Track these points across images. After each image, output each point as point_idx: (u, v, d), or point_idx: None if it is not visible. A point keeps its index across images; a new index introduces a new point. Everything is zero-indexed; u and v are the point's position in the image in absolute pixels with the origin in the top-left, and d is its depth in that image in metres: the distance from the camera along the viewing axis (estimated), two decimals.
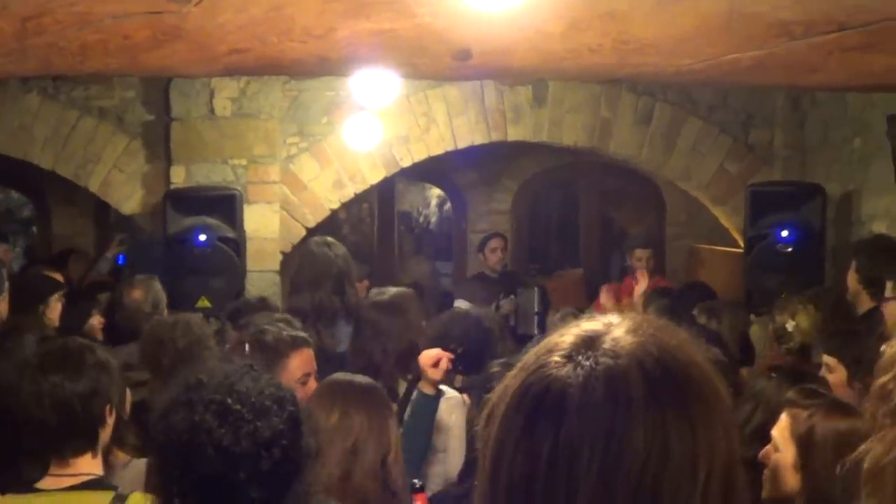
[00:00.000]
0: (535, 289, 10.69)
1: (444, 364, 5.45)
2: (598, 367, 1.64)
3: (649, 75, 6.44)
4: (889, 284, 6.56)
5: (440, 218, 21.17)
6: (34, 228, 18.24)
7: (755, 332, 8.98)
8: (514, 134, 10.82)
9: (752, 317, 8.79)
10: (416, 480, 5.01)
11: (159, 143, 10.37)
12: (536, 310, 10.48)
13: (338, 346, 6.81)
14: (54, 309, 7.75)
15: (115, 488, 4.08)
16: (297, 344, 5.28)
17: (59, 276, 9.84)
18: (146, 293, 7.60)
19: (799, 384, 4.74)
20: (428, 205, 21.47)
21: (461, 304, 11.22)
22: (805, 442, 4.06)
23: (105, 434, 4.20)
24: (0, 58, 4.55)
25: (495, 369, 4.81)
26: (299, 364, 5.21)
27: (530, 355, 1.75)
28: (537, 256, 17.08)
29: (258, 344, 5.17)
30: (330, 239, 7.22)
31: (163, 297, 7.80)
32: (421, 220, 21.94)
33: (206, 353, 5.95)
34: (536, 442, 1.63)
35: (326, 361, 6.67)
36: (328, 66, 5.24)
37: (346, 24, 4.69)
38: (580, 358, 1.66)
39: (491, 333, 6.69)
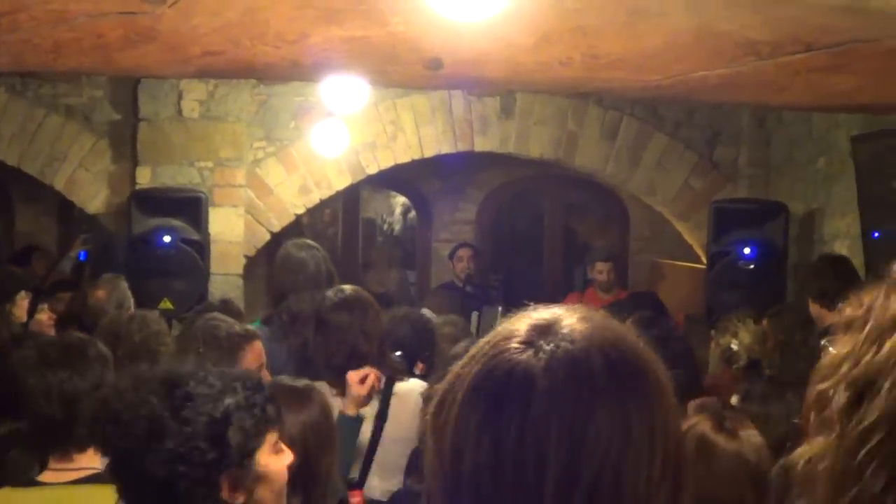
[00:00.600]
0: (499, 308, 10.70)
1: (370, 381, 5.42)
2: (559, 351, 1.68)
3: (618, 90, 6.49)
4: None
5: (404, 226, 21.16)
6: None
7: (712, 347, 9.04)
8: (481, 144, 10.86)
9: (712, 332, 8.83)
10: (352, 476, 5.01)
11: (126, 144, 10.35)
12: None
13: None
14: (21, 307, 7.73)
15: None
16: (249, 337, 5.31)
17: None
18: (110, 293, 7.59)
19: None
20: (392, 212, 21.44)
21: (426, 313, 11.24)
22: None
23: None
24: None
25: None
26: (253, 357, 5.24)
27: (483, 344, 1.78)
28: (500, 267, 17.11)
29: (213, 340, 5.16)
30: (310, 241, 7.22)
31: (128, 297, 7.78)
32: (385, 227, 21.91)
33: (162, 349, 5.94)
34: (503, 426, 1.65)
35: None
36: (300, 71, 5.26)
37: (319, 30, 4.71)
38: (541, 343, 1.70)
39: (433, 334, 6.68)
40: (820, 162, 9.78)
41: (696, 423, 4.00)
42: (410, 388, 5.59)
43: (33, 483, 4.10)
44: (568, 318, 1.75)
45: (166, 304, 9.67)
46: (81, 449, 4.12)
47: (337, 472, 4.55)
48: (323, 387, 5.65)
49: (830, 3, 4.51)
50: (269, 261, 13.56)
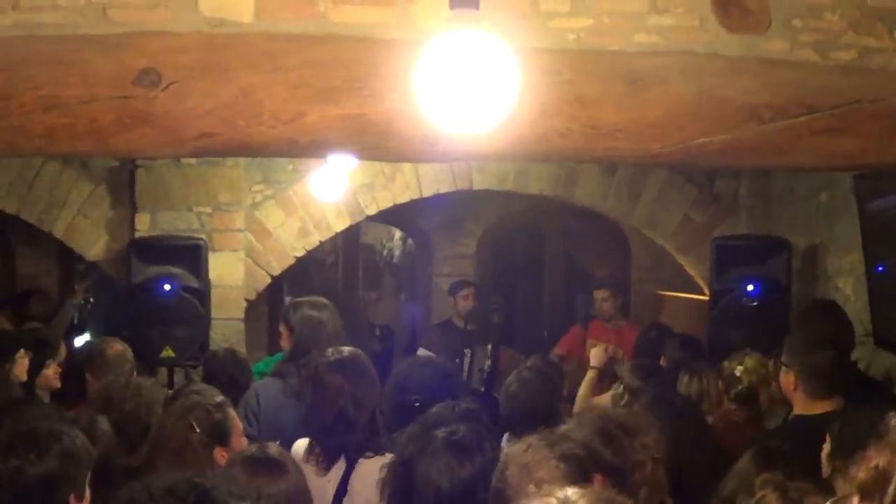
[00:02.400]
0: (488, 347, 10.67)
1: None
2: None
3: (619, 158, 6.46)
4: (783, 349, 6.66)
5: (403, 252, 21.12)
6: None
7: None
8: (480, 182, 10.83)
9: (714, 373, 8.79)
10: None
11: (124, 189, 10.31)
12: (486, 368, 10.48)
13: None
14: (20, 365, 7.67)
15: None
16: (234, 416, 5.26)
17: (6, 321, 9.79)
18: (125, 347, 7.54)
19: (772, 462, 4.73)
20: (392, 237, 21.42)
21: (422, 352, 11.22)
22: None
23: None
24: None
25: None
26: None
27: None
28: (501, 291, 17.10)
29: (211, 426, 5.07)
30: (323, 300, 7.17)
31: (131, 355, 7.72)
32: (385, 253, 21.87)
33: (153, 420, 5.79)
34: None
35: None
36: (297, 150, 5.23)
37: (315, 108, 4.67)
38: None
39: (456, 382, 6.60)
40: (822, 196, 9.72)
41: (762, 496, 3.94)
42: (373, 465, 5.46)
43: None
44: None
45: (168, 353, 9.65)
46: None
47: None
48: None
49: (831, 64, 4.47)
50: (269, 301, 13.56)
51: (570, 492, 1.82)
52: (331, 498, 5.49)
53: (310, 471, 5.39)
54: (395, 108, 4.65)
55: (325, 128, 4.79)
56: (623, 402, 7.30)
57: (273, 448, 4.50)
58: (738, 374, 7.47)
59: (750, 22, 4.28)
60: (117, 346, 7.53)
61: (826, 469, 5.37)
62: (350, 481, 5.52)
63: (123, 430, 5.30)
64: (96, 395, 6.35)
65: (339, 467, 5.56)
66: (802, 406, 6.44)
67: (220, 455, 4.93)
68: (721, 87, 4.65)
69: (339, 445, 5.59)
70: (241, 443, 5.11)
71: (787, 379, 6.58)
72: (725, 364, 7.60)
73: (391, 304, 18.53)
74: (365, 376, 5.76)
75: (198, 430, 4.94)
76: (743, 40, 4.23)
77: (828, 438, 5.45)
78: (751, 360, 7.52)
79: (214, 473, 3.24)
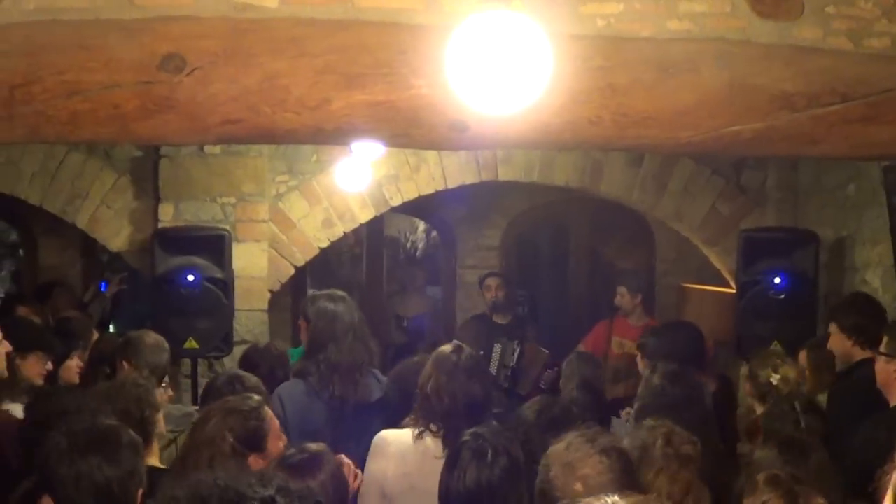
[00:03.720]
0: (515, 343, 10.62)
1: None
2: None
3: (649, 147, 6.38)
4: (885, 339, 6.41)
5: (427, 244, 21.08)
6: (21, 251, 18.06)
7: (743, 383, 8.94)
8: (505, 174, 10.76)
9: (743, 367, 8.71)
10: None
11: (148, 180, 10.29)
12: (511, 364, 10.45)
13: (371, 396, 6.76)
14: (69, 368, 7.74)
15: None
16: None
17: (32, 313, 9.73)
18: (159, 339, 7.49)
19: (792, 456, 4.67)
20: (415, 230, 21.38)
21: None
22: None
23: None
24: None
25: (466, 437, 4.71)
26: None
27: None
28: (526, 285, 17.04)
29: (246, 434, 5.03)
30: (341, 293, 7.14)
31: None
32: (408, 245, 21.83)
33: (147, 413, 5.66)
34: None
35: (362, 410, 6.66)
36: (323, 137, 5.15)
37: (341, 95, 4.62)
38: None
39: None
40: (850, 188, 9.62)
41: (768, 500, 3.86)
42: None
43: None
44: None
45: (192, 344, 9.62)
46: None
47: None
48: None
49: (865, 53, 4.41)
50: (294, 292, 13.54)
51: (616, 498, 1.77)
52: None
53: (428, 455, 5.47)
54: (423, 94, 4.60)
55: (352, 114, 4.73)
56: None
57: (309, 447, 4.50)
58: (774, 382, 7.37)
59: (783, 8, 4.23)
60: (154, 335, 7.48)
61: None
62: None
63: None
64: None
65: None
66: None
67: (255, 461, 4.89)
68: (753, 74, 4.60)
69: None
70: (277, 445, 5.07)
71: (887, 369, 6.33)
72: (760, 372, 7.49)
73: (417, 297, 18.44)
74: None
75: (231, 439, 4.90)
76: (776, 27, 4.19)
77: None
78: (787, 369, 7.40)
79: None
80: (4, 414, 6.34)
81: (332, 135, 4.90)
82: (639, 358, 8.13)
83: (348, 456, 5.16)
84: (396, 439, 5.70)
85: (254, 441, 4.98)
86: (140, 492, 4.13)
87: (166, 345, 7.41)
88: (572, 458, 3.37)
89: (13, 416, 6.29)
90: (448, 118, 4.53)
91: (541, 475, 3.45)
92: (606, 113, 4.85)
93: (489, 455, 4.46)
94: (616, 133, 4.94)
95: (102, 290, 13.10)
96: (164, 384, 7.02)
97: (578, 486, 3.29)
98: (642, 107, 4.84)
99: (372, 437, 5.74)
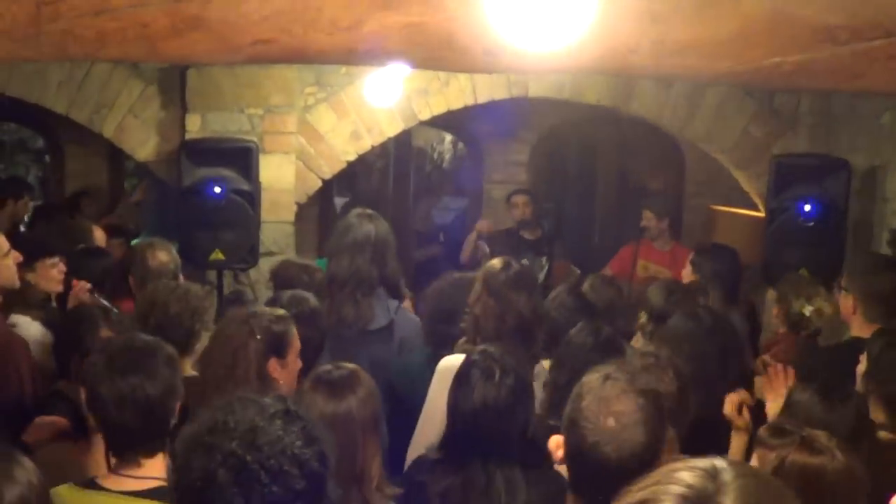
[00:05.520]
0: (543, 259, 10.61)
1: None
2: None
3: (687, 76, 6.26)
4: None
5: (454, 156, 20.97)
6: (47, 157, 18.06)
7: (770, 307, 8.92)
8: (536, 90, 10.63)
9: (770, 291, 8.66)
10: None
11: (175, 90, 10.19)
12: (541, 281, 10.44)
13: (372, 320, 6.62)
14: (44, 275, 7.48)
15: None
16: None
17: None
18: (170, 256, 7.42)
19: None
20: (442, 140, 21.25)
21: (484, 247, 11.22)
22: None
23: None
24: (15, 43, 4.38)
25: (475, 356, 4.73)
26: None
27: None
28: (553, 199, 16.97)
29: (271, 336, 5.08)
30: (371, 211, 7.04)
31: (178, 262, 7.60)
32: (435, 156, 21.72)
33: (198, 326, 5.84)
34: None
35: (359, 335, 6.57)
36: (355, 58, 5.08)
37: (375, 16, 4.52)
38: None
39: None
40: (885, 117, 9.50)
41: (787, 453, 3.82)
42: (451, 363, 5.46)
43: (94, 486, 4.03)
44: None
45: (217, 255, 9.59)
46: (150, 454, 4.05)
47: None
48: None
49: None
50: (320, 202, 13.51)
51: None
52: None
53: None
54: (457, 16, 4.51)
55: (384, 36, 4.65)
56: (648, 329, 7.11)
57: (343, 370, 4.49)
58: (807, 314, 7.35)
59: None
60: (161, 257, 7.38)
61: (860, 386, 5.35)
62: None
63: (166, 333, 5.22)
64: (143, 297, 6.31)
65: None
66: (859, 329, 6.43)
67: (274, 367, 5.01)
68: (796, 5, 4.48)
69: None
70: (296, 361, 5.17)
71: (845, 302, 6.57)
72: (794, 302, 7.47)
73: (444, 209, 18.33)
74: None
75: (258, 337, 5.02)
76: None
77: (864, 357, 5.45)
78: (820, 302, 7.39)
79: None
80: (16, 335, 6.33)
81: (363, 56, 4.83)
82: (687, 272, 8.18)
83: None
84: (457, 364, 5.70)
85: (278, 345, 5.09)
86: (178, 405, 4.15)
87: (173, 265, 7.38)
88: (608, 393, 3.31)
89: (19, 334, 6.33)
90: (482, 44, 4.43)
91: (572, 403, 3.40)
92: (645, 41, 4.76)
93: (497, 374, 4.57)
94: (654, 62, 4.86)
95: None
96: None
97: (611, 422, 3.25)
98: (681, 36, 4.74)
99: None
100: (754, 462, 3.98)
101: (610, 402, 3.29)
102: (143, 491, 3.96)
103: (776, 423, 4.19)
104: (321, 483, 2.97)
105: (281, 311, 5.31)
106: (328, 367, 4.70)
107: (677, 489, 1.60)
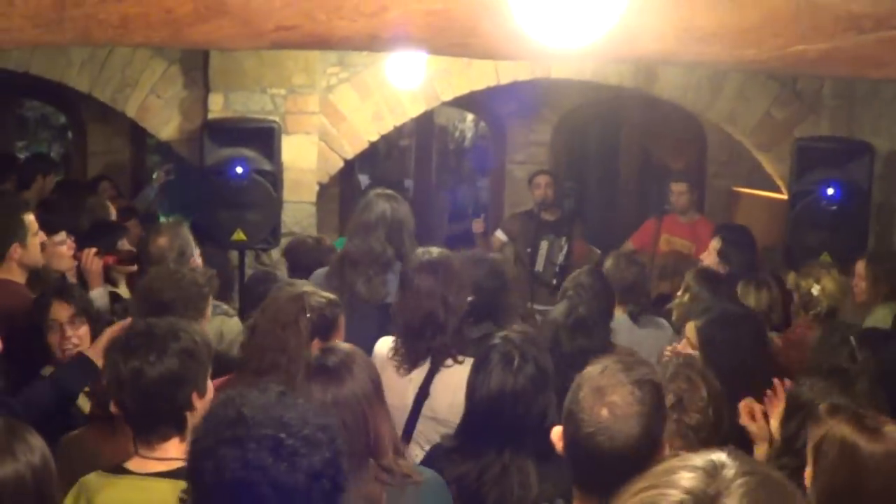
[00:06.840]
0: (563, 240, 10.64)
1: None
2: None
3: (711, 63, 6.25)
4: None
5: (476, 135, 20.99)
6: (70, 134, 18.09)
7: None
8: (559, 71, 10.63)
9: (791, 277, 8.67)
10: None
11: (198, 70, 10.22)
12: (559, 262, 10.49)
13: (387, 296, 6.65)
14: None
15: None
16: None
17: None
18: (172, 240, 7.29)
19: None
20: (464, 119, 21.27)
21: (500, 235, 11.26)
22: (816, 453, 3.88)
23: (195, 418, 4.09)
24: (38, 29, 4.37)
25: (496, 341, 4.71)
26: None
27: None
28: (574, 178, 16.98)
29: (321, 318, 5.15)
30: (390, 192, 7.08)
31: (190, 242, 7.41)
32: (457, 134, 21.75)
33: (192, 314, 5.70)
34: None
35: (373, 310, 6.60)
36: (379, 45, 5.07)
37: (398, 2, 4.52)
38: None
39: (506, 280, 6.50)
40: None
41: (833, 426, 3.80)
42: (456, 371, 5.43)
43: (121, 470, 4.06)
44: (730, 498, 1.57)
45: (239, 236, 9.60)
46: (165, 440, 4.07)
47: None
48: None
49: None
50: (341, 182, 13.53)
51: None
52: (411, 398, 5.48)
53: (391, 369, 5.44)
54: (481, 3, 4.51)
55: (408, 23, 4.64)
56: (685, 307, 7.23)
57: (336, 354, 4.45)
58: (815, 293, 7.36)
59: None
60: (160, 241, 7.28)
61: None
62: (433, 384, 5.50)
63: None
64: (140, 282, 6.24)
65: (423, 369, 5.56)
66: None
67: (317, 347, 4.99)
68: None
69: (425, 348, 5.56)
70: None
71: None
72: (802, 282, 7.50)
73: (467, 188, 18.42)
74: (456, 279, 5.68)
75: (309, 315, 5.09)
76: None
77: None
78: (829, 281, 7.40)
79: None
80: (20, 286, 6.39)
81: (387, 43, 4.82)
82: (714, 248, 8.39)
83: None
84: (379, 349, 5.74)
85: (325, 329, 5.16)
86: (193, 394, 4.15)
87: (175, 246, 7.30)
88: (604, 383, 3.31)
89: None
90: (507, 29, 4.42)
91: (570, 394, 3.40)
92: (669, 27, 4.74)
93: (516, 361, 4.51)
94: (678, 49, 4.85)
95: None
96: None
97: (605, 412, 3.25)
98: (705, 23, 4.73)
99: (367, 341, 5.60)
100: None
101: (605, 393, 3.29)
102: (168, 472, 3.97)
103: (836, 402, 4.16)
104: (342, 452, 2.98)
105: (332, 296, 5.36)
106: (320, 354, 4.66)
107: (675, 495, 1.59)
